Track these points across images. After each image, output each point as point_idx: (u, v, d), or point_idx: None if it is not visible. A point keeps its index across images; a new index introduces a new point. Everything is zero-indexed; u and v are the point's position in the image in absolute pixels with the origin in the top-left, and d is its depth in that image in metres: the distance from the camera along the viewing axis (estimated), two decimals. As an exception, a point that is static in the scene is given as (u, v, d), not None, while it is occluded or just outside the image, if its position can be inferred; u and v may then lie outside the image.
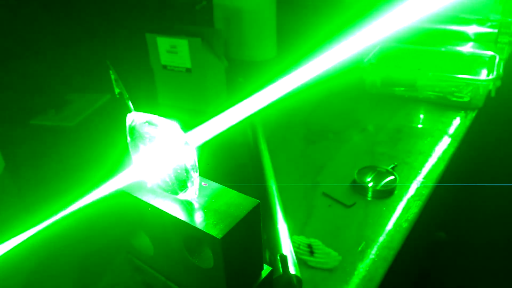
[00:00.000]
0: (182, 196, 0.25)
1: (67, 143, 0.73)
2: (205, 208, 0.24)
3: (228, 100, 0.86)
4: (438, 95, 0.76)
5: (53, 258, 0.49)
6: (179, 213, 0.24)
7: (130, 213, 0.27)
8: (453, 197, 0.87)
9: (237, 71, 0.95)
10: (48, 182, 0.64)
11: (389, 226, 0.50)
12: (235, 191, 0.25)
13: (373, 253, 0.46)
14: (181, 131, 0.23)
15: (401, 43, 0.92)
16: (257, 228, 0.25)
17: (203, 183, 0.26)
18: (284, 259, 0.40)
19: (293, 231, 0.49)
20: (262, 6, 1.01)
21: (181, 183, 0.24)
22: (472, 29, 1.05)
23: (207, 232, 0.23)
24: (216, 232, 0.23)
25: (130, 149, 0.26)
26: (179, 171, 0.24)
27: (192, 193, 0.25)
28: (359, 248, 0.47)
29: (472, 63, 0.85)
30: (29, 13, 1.02)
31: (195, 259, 0.25)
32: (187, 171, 0.24)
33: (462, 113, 0.72)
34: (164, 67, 0.81)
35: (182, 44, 0.78)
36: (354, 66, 0.82)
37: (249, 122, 0.67)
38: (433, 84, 0.75)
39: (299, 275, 0.40)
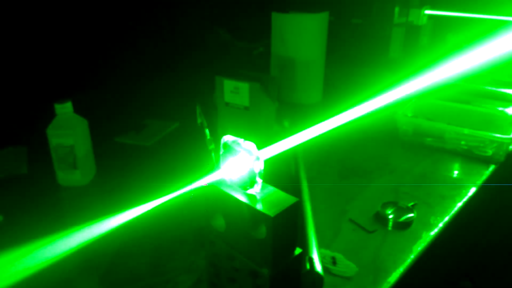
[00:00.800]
0: (249, 191, 0.41)
1: (144, 159, 0.92)
2: (263, 199, 0.40)
3: (276, 135, 1.03)
4: (464, 148, 0.87)
5: (133, 242, 0.65)
6: (248, 201, 0.40)
7: (215, 201, 0.43)
8: (475, 244, 0.95)
9: (286, 112, 1.12)
10: (127, 190, 0.82)
11: (402, 251, 0.62)
12: (283, 192, 0.41)
13: (385, 269, 0.58)
14: (256, 150, 0.40)
15: (438, 99, 1.04)
16: (295, 217, 0.40)
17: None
18: (311, 260, 0.54)
19: (321, 245, 0.62)
20: (313, 58, 1.20)
21: (251, 182, 0.40)
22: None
23: (265, 212, 0.38)
24: (270, 213, 0.38)
25: (221, 158, 0.42)
26: (250, 174, 0.40)
27: (256, 190, 0.40)
28: (375, 264, 0.59)
29: (503, 121, 0.95)
30: (118, 51, 1.28)
31: (254, 233, 0.40)
32: (255, 175, 0.40)
33: (484, 166, 0.83)
34: (227, 104, 1.00)
35: (244, 87, 0.97)
36: (390, 116, 0.96)
37: (293, 156, 0.82)
38: (459, 138, 0.87)
39: (322, 274, 0.53)
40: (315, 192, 0.75)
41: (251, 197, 0.40)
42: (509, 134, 0.84)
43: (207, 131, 0.54)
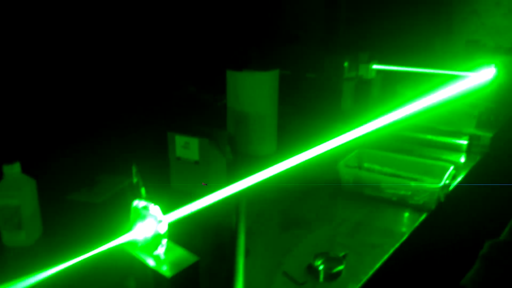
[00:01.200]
0: (155, 252, 0.45)
1: (92, 217, 0.95)
2: (166, 260, 0.44)
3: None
4: (399, 197, 0.93)
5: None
6: (152, 263, 0.44)
7: (124, 263, 0.47)
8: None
9: (241, 164, 1.18)
10: (73, 249, 0.84)
11: (329, 302, 0.65)
12: (186, 251, 0.45)
13: (309, 321, 0.61)
14: (160, 213, 0.44)
15: (381, 149, 1.12)
16: (196, 275, 0.44)
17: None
18: (233, 314, 0.57)
19: (252, 299, 0.65)
20: (265, 111, 1.28)
21: (155, 244, 0.44)
22: (449, 139, 1.25)
23: (163, 274, 0.42)
24: (167, 274, 0.42)
25: (132, 222, 0.47)
26: (155, 237, 0.44)
27: (161, 251, 0.44)
28: (300, 317, 0.62)
29: (439, 170, 1.02)
30: (75, 111, 1.33)
31: (158, 292, 0.43)
32: (160, 237, 0.44)
33: (417, 214, 0.89)
34: (178, 158, 1.05)
35: (194, 142, 1.03)
36: (334, 166, 1.03)
37: (235, 209, 0.87)
38: (394, 187, 0.94)
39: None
40: (254, 245, 0.79)
41: (156, 258, 0.44)
42: (439, 183, 0.91)
43: (143, 190, 0.59)
